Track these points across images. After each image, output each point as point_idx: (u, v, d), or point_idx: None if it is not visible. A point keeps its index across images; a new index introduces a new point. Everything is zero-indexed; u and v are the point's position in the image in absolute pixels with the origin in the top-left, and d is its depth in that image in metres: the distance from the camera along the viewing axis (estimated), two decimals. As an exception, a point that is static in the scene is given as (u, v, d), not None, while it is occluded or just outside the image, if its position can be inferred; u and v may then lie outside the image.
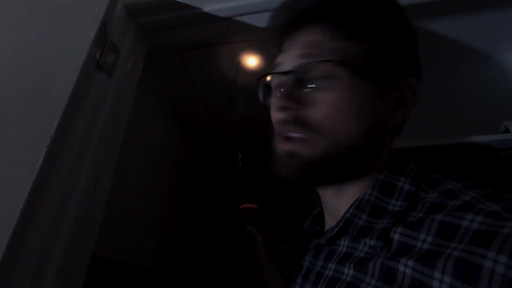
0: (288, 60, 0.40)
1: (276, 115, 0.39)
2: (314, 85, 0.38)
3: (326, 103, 0.37)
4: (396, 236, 0.31)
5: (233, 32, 0.89)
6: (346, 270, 0.34)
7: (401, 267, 0.28)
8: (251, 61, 1.61)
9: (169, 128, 1.93)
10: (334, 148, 0.36)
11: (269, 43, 0.47)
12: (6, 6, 0.64)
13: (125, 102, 0.76)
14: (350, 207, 0.37)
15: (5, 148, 0.49)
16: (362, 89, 0.38)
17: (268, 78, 0.44)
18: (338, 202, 0.40)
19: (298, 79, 0.39)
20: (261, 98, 0.46)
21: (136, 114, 1.47)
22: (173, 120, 1.97)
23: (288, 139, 0.38)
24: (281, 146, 0.39)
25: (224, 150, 2.30)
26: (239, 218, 0.72)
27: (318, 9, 0.40)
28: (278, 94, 0.38)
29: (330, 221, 0.43)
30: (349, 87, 0.37)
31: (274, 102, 0.39)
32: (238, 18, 0.82)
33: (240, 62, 1.61)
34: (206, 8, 0.80)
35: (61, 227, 0.51)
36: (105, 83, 0.67)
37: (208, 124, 2.09)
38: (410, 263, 0.28)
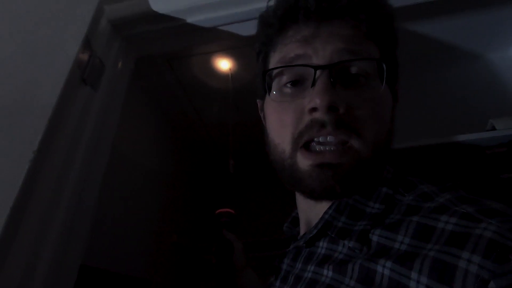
0: (325, 48, 0.36)
1: (317, 115, 0.34)
2: (358, 85, 0.36)
3: (370, 104, 0.35)
4: (374, 238, 0.32)
5: (218, 41, 0.91)
6: (325, 271, 0.33)
7: (379, 268, 0.29)
8: (241, 67, 1.63)
9: (162, 136, 1.94)
10: (373, 152, 0.35)
11: (265, 27, 0.42)
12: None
13: (112, 114, 0.77)
14: (329, 208, 0.37)
15: (-13, 164, 0.49)
16: (388, 92, 0.38)
17: (279, 69, 0.38)
18: (317, 206, 0.39)
19: (340, 75, 0.35)
20: (273, 93, 0.39)
21: (128, 123, 1.49)
22: (166, 128, 1.98)
23: (316, 146, 0.34)
24: (315, 160, 0.34)
25: (218, 155, 2.31)
26: (216, 223, 0.70)
27: (352, 4, 0.37)
28: (324, 91, 0.33)
29: (307, 224, 0.43)
30: (384, 89, 0.36)
31: (318, 100, 0.33)
32: (221, 28, 0.84)
33: (230, 68, 1.63)
34: (190, 19, 0.81)
35: (46, 240, 0.52)
36: (90, 97, 0.68)
37: (201, 130, 2.11)
38: (388, 264, 0.28)
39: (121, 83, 0.84)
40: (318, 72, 0.35)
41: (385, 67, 0.36)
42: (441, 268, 0.25)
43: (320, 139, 0.34)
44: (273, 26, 0.40)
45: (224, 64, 1.60)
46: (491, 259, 0.23)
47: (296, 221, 0.48)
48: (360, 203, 0.36)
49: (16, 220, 0.47)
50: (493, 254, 0.23)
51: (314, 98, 0.33)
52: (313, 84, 0.35)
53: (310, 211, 0.41)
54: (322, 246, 0.37)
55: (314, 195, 0.36)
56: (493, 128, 1.10)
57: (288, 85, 0.38)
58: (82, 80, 0.67)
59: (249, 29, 0.84)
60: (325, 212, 0.37)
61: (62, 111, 0.58)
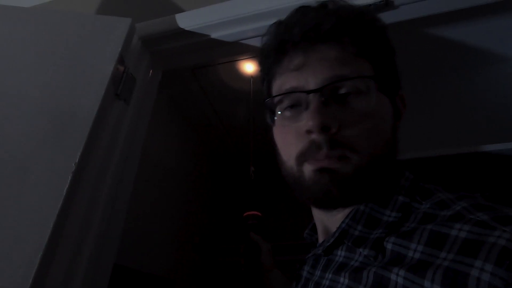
0: (316, 76, 0.38)
1: (313, 136, 0.36)
2: (350, 102, 0.38)
3: (365, 119, 0.37)
4: (389, 246, 0.32)
5: (241, 54, 0.95)
6: (341, 279, 0.34)
7: (393, 276, 0.29)
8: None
9: (186, 140, 2.01)
10: (369, 163, 0.36)
11: (264, 59, 0.45)
12: (34, 44, 0.73)
13: (141, 125, 0.83)
14: (346, 217, 0.38)
15: (36, 175, 0.56)
16: (384, 104, 0.40)
17: (278, 97, 0.41)
18: (334, 216, 0.40)
19: (332, 96, 0.38)
20: (277, 118, 0.43)
21: (154, 129, 1.57)
22: (189, 133, 2.05)
23: (321, 157, 0.36)
24: (315, 164, 0.36)
25: (240, 158, 2.36)
26: (243, 226, 0.73)
27: (336, 27, 0.39)
28: (315, 113, 0.36)
29: (324, 232, 0.44)
30: (378, 102, 0.38)
31: (310, 122, 0.36)
32: (244, 42, 0.88)
33: (252, 74, 1.66)
34: (214, 35, 0.86)
35: (85, 241, 0.58)
36: (123, 110, 0.75)
37: (223, 134, 2.17)
38: (402, 272, 0.28)
39: (149, 96, 0.89)
40: (310, 96, 0.38)
41: (374, 83, 0.38)
42: (454, 277, 0.25)
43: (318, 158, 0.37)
44: (270, 57, 0.44)
45: (246, 70, 1.64)
46: (504, 267, 0.23)
47: (316, 228, 0.49)
48: (376, 211, 0.37)
49: (61, 225, 0.54)
50: (506, 262, 0.23)
51: (308, 120, 0.36)
52: (307, 107, 0.38)
53: (327, 221, 0.43)
54: (340, 255, 0.38)
55: (318, 202, 0.38)
56: (525, 137, 1.05)
57: (288, 110, 0.41)
58: (116, 95, 0.73)
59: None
60: (342, 221, 0.38)
61: (98, 125, 0.64)
